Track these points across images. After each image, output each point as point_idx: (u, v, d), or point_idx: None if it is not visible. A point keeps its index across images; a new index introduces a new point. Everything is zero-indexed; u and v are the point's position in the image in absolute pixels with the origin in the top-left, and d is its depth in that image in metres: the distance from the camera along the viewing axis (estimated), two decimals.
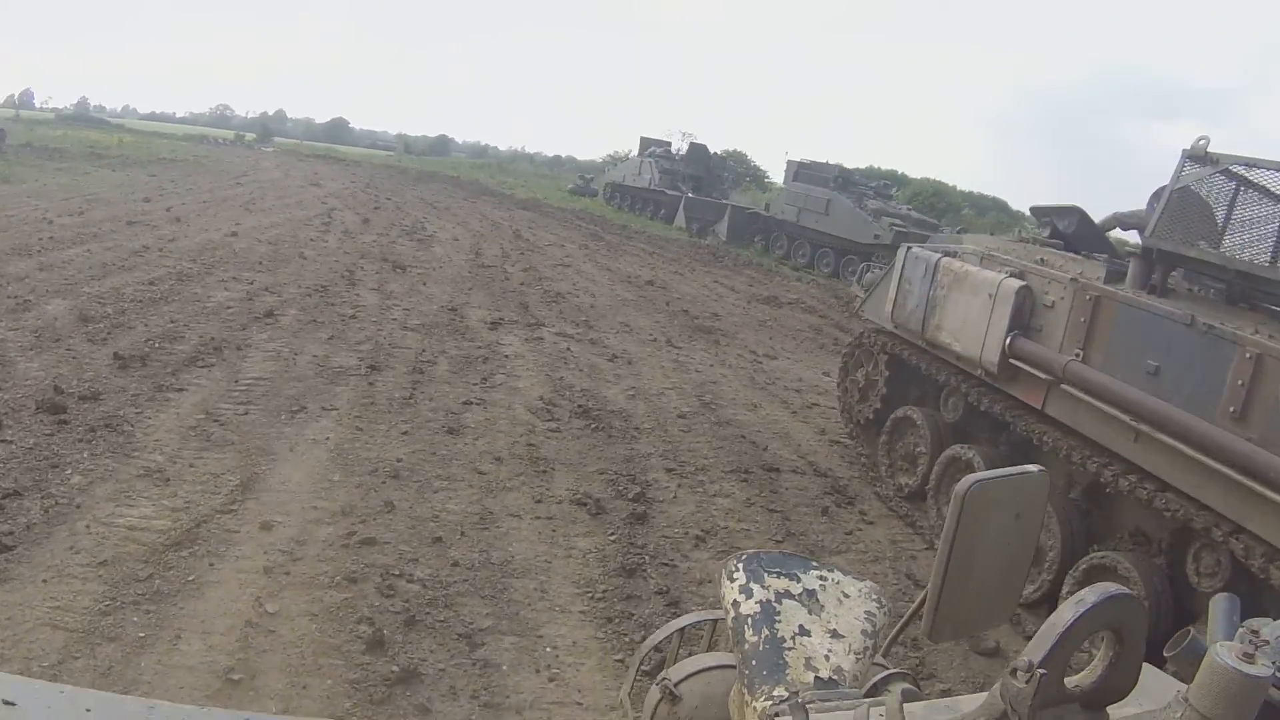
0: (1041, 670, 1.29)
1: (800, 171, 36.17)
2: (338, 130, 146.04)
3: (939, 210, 52.09)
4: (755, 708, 2.10)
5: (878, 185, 36.92)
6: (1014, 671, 1.32)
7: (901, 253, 10.02)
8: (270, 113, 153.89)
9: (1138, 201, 8.75)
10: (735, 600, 2.40)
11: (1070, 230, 9.21)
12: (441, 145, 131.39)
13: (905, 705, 1.66)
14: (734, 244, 37.91)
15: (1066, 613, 1.32)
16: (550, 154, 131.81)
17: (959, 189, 66.61)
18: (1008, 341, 8.08)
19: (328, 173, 54.51)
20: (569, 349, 14.62)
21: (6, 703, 1.56)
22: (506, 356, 13.49)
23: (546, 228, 36.13)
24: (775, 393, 14.06)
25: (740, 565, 2.50)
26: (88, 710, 1.57)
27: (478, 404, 11.02)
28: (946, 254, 9.36)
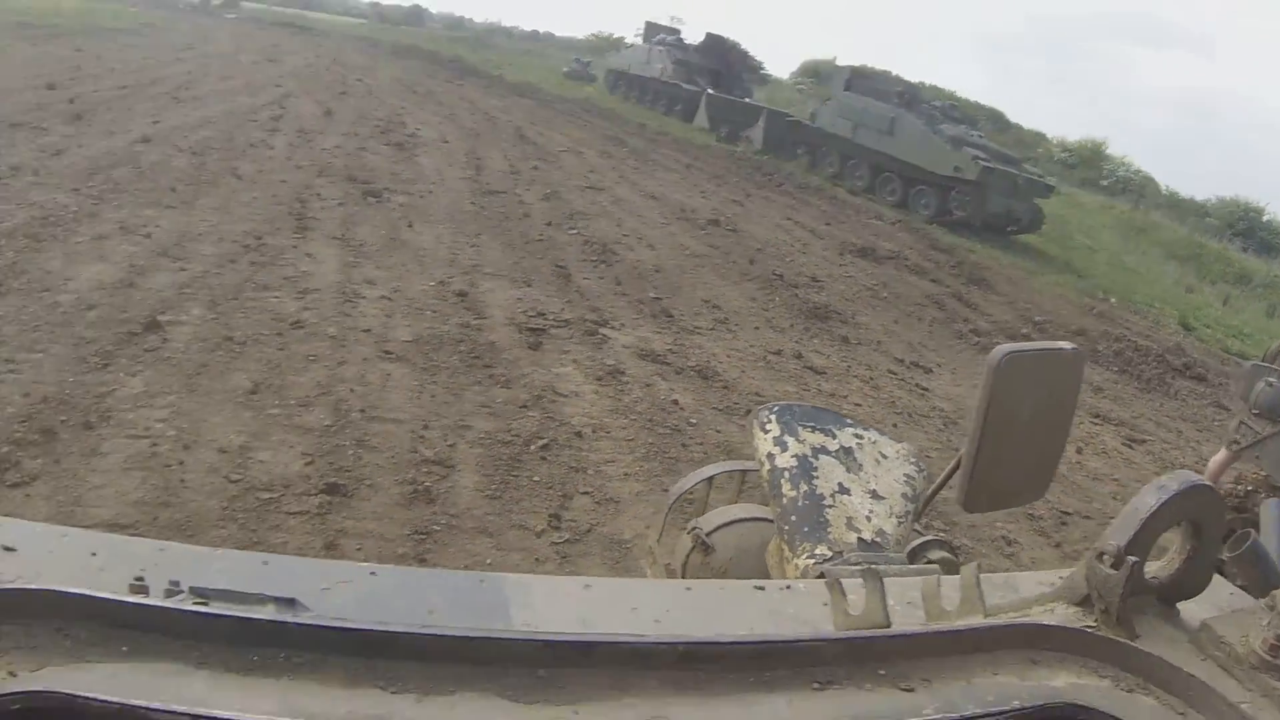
0: (1134, 558, 1.37)
1: (855, 81, 33.29)
2: None
3: None
4: (797, 564, 2.28)
5: (944, 106, 34.19)
6: (1100, 555, 1.40)
7: None
8: None
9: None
10: (770, 453, 2.57)
11: None
12: (416, 15, 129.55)
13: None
14: (771, 154, 34.99)
15: (1149, 498, 1.39)
16: (528, 28, 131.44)
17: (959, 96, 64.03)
18: None
19: (290, 45, 50.16)
20: (671, 393, 9.21)
21: (6, 548, 1.72)
22: (578, 433, 7.95)
23: (553, 124, 32.25)
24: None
25: (773, 416, 2.66)
26: (93, 554, 1.77)
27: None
28: None
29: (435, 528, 6.18)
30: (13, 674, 1.52)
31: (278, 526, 6.11)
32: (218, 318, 8.97)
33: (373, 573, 1.94)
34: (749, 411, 8.86)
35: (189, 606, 1.64)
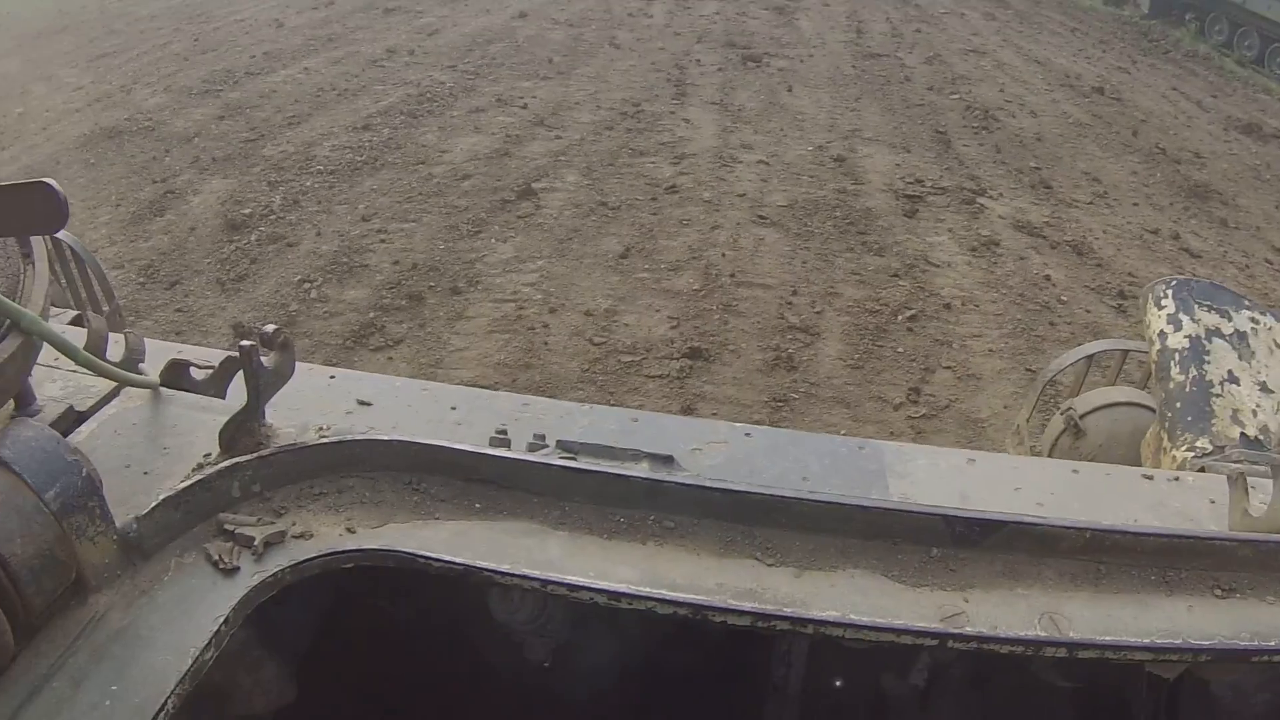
0: None
1: None
2: None
3: None
4: (1175, 456, 2.17)
5: None
6: None
7: None
8: None
9: None
10: (1162, 331, 2.49)
11: None
12: None
13: None
14: (1159, 18, 31.88)
15: None
16: None
17: None
18: None
19: None
20: (1044, 268, 8.69)
21: (362, 402, 1.92)
22: (946, 305, 7.74)
23: None
24: None
25: (1169, 292, 2.60)
26: (452, 408, 1.92)
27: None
28: None
29: (794, 396, 6.22)
30: (351, 530, 1.63)
31: (636, 389, 6.27)
32: (592, 184, 9.23)
33: (747, 434, 1.95)
34: (1121, 293, 8.34)
35: (555, 460, 1.71)
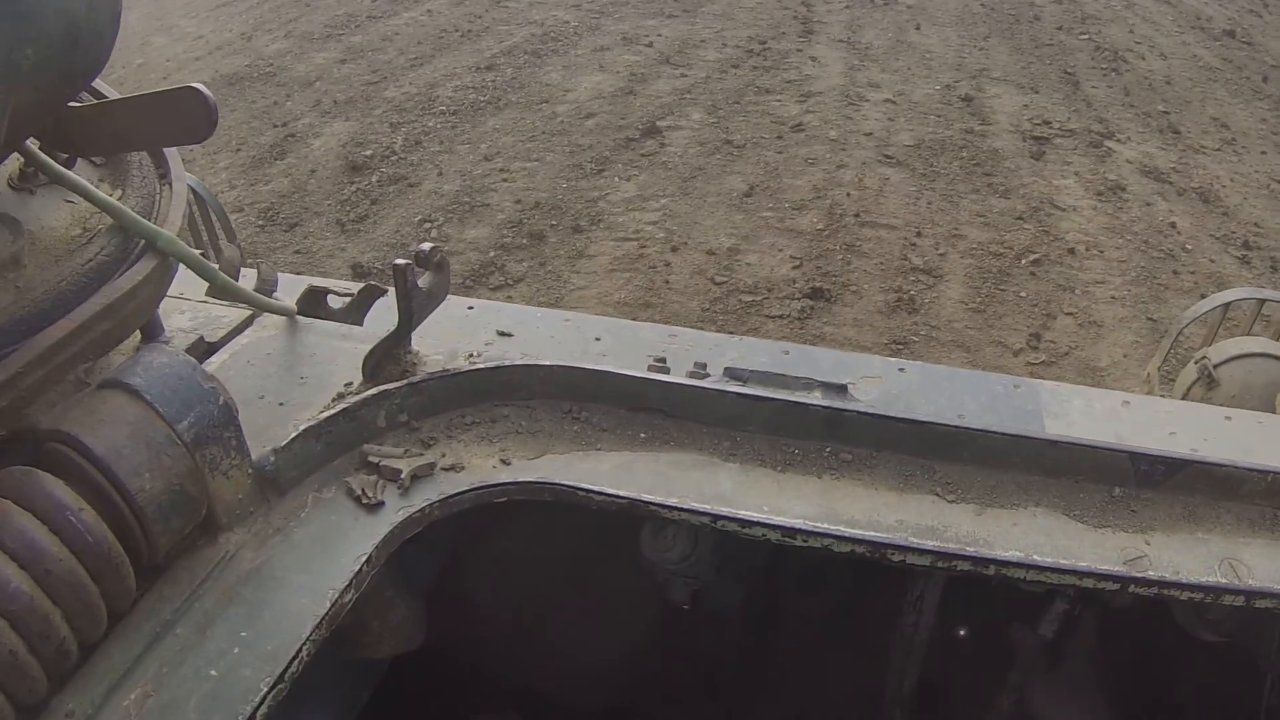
0: None
1: None
2: None
3: None
4: None
5: None
6: None
7: None
8: None
9: None
10: None
11: None
12: None
13: None
14: None
15: None
16: None
17: None
18: None
19: None
20: (1170, 215, 8.46)
21: (502, 333, 1.85)
22: (1071, 250, 7.62)
23: None
24: None
25: None
26: (597, 338, 1.86)
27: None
28: None
29: (914, 339, 6.26)
30: (505, 462, 1.58)
31: (755, 329, 6.28)
32: (717, 122, 9.21)
33: (901, 369, 1.90)
34: (1246, 243, 8.20)
35: (730, 387, 1.66)
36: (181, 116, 1.47)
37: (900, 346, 6.24)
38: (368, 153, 8.81)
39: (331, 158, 8.79)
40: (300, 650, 1.27)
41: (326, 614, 1.32)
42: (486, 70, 10.77)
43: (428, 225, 7.57)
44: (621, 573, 2.12)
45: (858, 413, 1.61)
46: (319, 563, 1.39)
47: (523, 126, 9.29)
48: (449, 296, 1.87)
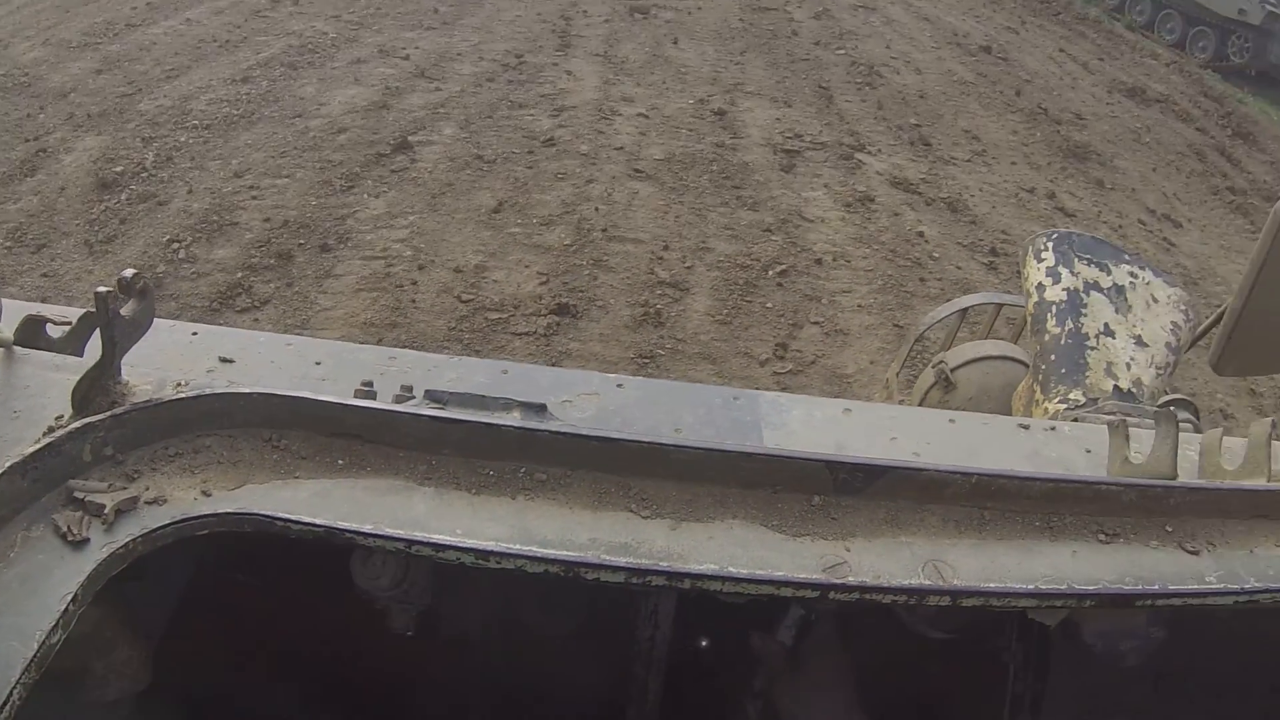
0: None
1: None
2: None
3: None
4: (1047, 408, 2.18)
5: None
6: None
7: None
8: None
9: None
10: (1040, 283, 2.49)
11: None
12: None
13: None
14: None
15: None
16: None
17: None
18: None
19: None
20: (918, 224, 8.77)
21: (224, 359, 1.82)
22: (818, 260, 7.74)
23: None
24: None
25: (1050, 244, 2.57)
26: (317, 363, 1.83)
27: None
28: None
29: (660, 352, 6.20)
30: (206, 493, 1.48)
31: (502, 347, 6.21)
32: (469, 136, 9.07)
33: (619, 384, 1.88)
34: (993, 250, 8.46)
35: (424, 410, 1.58)
36: None
37: (646, 360, 6.20)
38: (118, 169, 8.45)
39: (82, 174, 8.40)
40: (10, 695, 1.17)
41: (34, 657, 1.21)
42: (242, 83, 10.51)
43: (175, 245, 7.27)
44: (354, 602, 2.02)
45: (550, 432, 1.54)
46: (25, 604, 1.28)
47: (275, 141, 9.06)
48: (175, 322, 1.89)
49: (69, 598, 1.28)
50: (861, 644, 2.21)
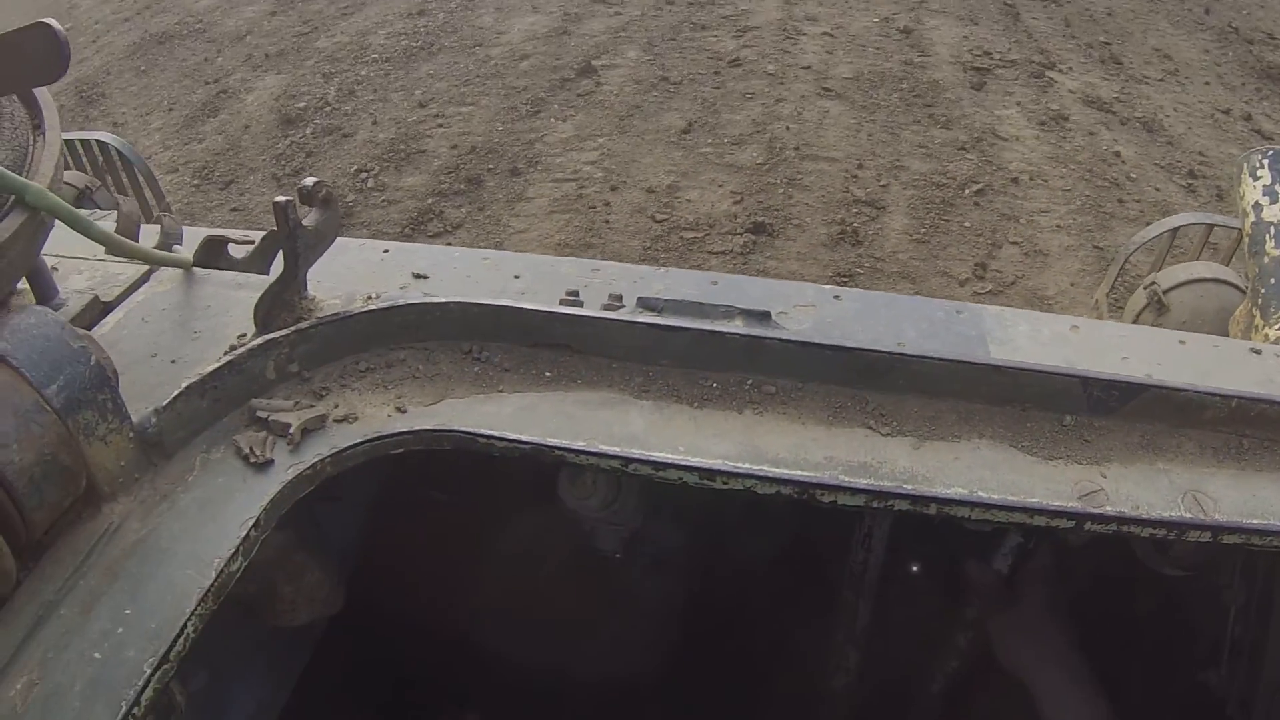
0: None
1: None
2: None
3: None
4: (1269, 334, 2.06)
5: None
6: None
7: None
8: None
9: None
10: (1257, 203, 2.31)
11: None
12: None
13: None
14: None
15: None
16: None
17: None
18: None
19: None
20: (1113, 144, 8.35)
21: (417, 275, 1.72)
22: (1014, 179, 7.46)
23: None
24: None
25: (1266, 162, 2.39)
26: (516, 276, 1.73)
27: None
28: None
29: (858, 271, 6.13)
30: (401, 410, 1.44)
31: (699, 266, 6.11)
32: (653, 59, 9.02)
33: (836, 296, 1.76)
34: (1191, 172, 8.19)
35: (640, 318, 1.51)
36: (30, 57, 1.32)
37: (845, 279, 6.11)
38: (301, 105, 8.60)
39: (265, 112, 8.57)
40: (185, 627, 1.15)
41: (212, 585, 1.19)
42: (418, 16, 10.51)
43: (364, 175, 7.40)
44: (553, 520, 2.00)
45: (780, 340, 1.47)
46: (205, 530, 1.27)
47: (457, 71, 9.10)
48: (365, 241, 1.79)
49: (250, 523, 1.27)
50: (1079, 574, 2.11)
